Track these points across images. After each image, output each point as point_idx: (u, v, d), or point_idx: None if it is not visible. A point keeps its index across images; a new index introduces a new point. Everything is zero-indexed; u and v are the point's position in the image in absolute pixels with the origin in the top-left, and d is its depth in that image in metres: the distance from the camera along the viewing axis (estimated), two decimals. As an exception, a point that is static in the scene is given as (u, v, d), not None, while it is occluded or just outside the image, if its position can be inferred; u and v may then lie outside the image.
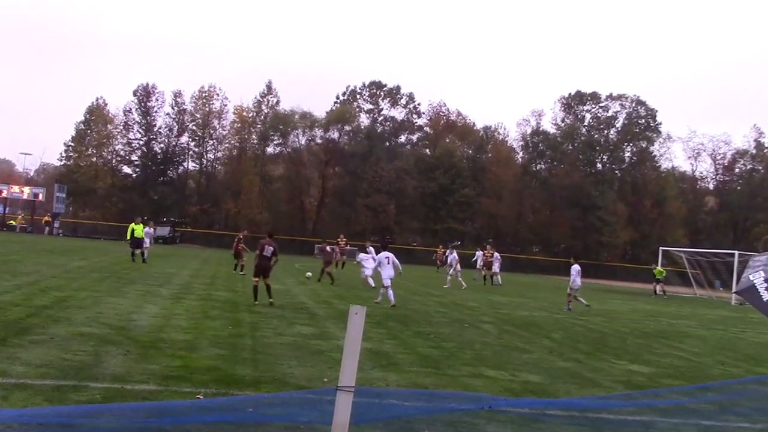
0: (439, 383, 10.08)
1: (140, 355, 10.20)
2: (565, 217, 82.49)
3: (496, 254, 41.96)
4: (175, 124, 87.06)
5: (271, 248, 19.63)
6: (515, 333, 17.03)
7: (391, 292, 21.58)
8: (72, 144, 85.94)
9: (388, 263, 22.38)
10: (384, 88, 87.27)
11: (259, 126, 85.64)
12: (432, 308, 22.04)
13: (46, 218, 70.91)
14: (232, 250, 33.60)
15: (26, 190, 78.97)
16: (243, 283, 24.98)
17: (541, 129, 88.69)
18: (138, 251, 33.26)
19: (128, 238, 33.63)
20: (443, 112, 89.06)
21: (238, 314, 16.05)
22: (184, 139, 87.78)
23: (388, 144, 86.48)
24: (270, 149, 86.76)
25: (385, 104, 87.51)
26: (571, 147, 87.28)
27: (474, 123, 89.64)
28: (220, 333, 12.92)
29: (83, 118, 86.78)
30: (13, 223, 76.12)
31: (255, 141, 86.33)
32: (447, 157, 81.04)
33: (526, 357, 13.27)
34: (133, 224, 34.06)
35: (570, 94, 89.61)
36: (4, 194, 77.04)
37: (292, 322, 15.48)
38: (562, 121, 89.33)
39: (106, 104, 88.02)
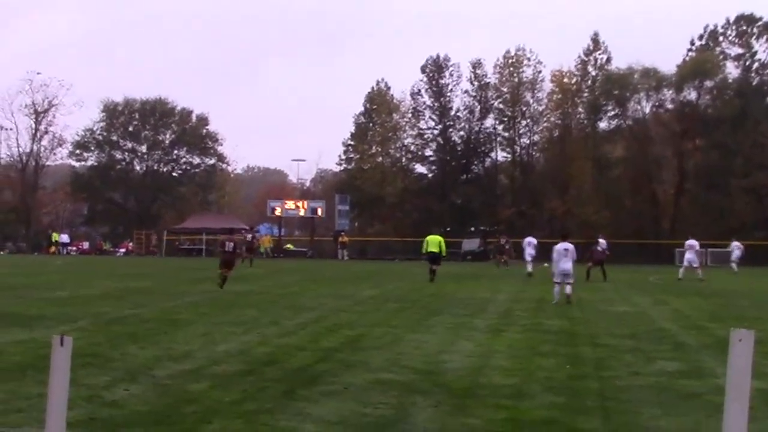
0: None
1: (455, 407, 10.52)
2: None
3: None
4: (476, 103, 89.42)
5: (232, 243, 30.23)
6: None
7: (558, 288, 25.85)
8: (352, 143, 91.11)
9: (566, 256, 26.21)
10: (758, 24, 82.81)
11: (586, 94, 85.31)
12: None
13: (342, 238, 75.78)
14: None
15: (302, 205, 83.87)
16: (580, 308, 25.00)
17: None
18: (435, 268, 37.05)
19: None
20: None
21: (577, 348, 16.05)
22: (489, 122, 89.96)
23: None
24: (603, 124, 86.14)
25: (761, 45, 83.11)
26: None
27: None
28: (554, 374, 13.00)
29: (362, 108, 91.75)
30: (291, 247, 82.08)
31: (582, 115, 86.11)
32: None
33: None
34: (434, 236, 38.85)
35: None
36: (278, 212, 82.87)
37: (652, 356, 15.19)
38: None
39: (388, 88, 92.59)
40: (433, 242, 38.04)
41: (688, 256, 41.98)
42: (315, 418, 9.71)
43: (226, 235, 31.90)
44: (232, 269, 30.15)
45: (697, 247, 42.79)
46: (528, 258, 44.36)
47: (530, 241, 45.53)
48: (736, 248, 49.55)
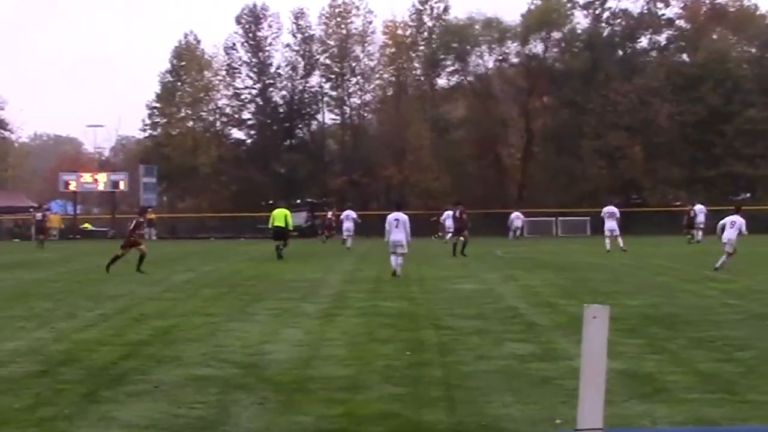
0: (735, 416, 9.80)
1: (282, 403, 10.53)
2: None
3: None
4: (299, 59, 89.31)
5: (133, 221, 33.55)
6: None
7: (394, 258, 28.22)
8: (158, 105, 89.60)
9: (397, 226, 28.36)
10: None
11: (422, 48, 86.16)
12: (715, 300, 21.43)
13: (149, 215, 74.24)
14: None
15: (101, 178, 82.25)
16: (421, 287, 25.32)
17: None
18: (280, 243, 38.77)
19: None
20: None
21: (419, 333, 16.24)
22: (314, 79, 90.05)
23: (621, 53, 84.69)
24: (442, 81, 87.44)
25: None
26: None
27: (756, 6, 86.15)
28: (394, 362, 13.12)
29: (169, 66, 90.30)
30: (89, 226, 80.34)
31: (418, 71, 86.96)
32: (716, 64, 78.17)
33: None
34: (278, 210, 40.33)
35: None
36: (73, 186, 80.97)
37: (501, 338, 15.51)
38: None
39: (198, 42, 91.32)
40: (279, 216, 39.43)
41: (609, 224, 42.84)
42: (121, 422, 9.56)
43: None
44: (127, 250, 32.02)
45: (618, 215, 43.28)
46: (346, 232, 48.77)
47: (348, 214, 48.84)
48: (516, 219, 49.82)
